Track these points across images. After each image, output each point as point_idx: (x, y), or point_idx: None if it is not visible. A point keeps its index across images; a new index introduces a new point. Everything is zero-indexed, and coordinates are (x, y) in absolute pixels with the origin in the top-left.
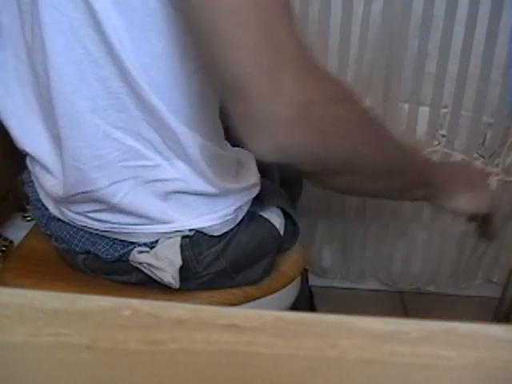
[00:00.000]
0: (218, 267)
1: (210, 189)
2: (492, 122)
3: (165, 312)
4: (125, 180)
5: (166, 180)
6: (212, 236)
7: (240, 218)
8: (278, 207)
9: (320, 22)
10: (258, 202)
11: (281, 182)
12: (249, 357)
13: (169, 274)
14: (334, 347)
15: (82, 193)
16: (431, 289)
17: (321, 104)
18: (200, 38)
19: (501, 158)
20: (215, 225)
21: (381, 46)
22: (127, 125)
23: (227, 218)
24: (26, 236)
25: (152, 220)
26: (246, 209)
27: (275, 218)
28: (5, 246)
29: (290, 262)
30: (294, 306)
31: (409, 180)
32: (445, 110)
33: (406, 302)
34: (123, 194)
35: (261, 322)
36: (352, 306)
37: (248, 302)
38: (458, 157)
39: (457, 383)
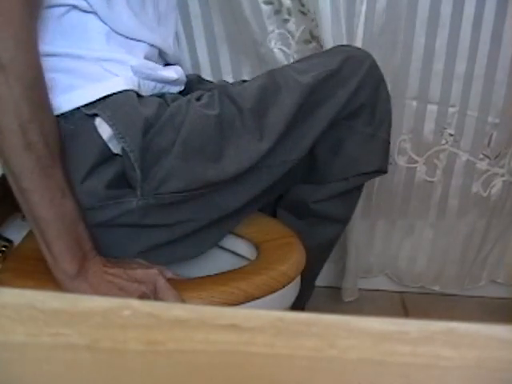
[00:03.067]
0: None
1: None
2: (498, 122)
3: (164, 312)
4: None
5: None
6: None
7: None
8: None
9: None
10: None
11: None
12: (249, 357)
13: None
14: (333, 347)
15: None
16: (436, 288)
17: None
18: None
19: (507, 159)
20: None
21: (387, 43)
22: None
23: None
24: (25, 236)
25: None
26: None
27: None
28: (5, 247)
29: (290, 261)
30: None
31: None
32: (452, 109)
33: (406, 302)
34: None
35: (261, 322)
36: (352, 305)
37: (248, 301)
38: (463, 157)
39: (457, 383)
